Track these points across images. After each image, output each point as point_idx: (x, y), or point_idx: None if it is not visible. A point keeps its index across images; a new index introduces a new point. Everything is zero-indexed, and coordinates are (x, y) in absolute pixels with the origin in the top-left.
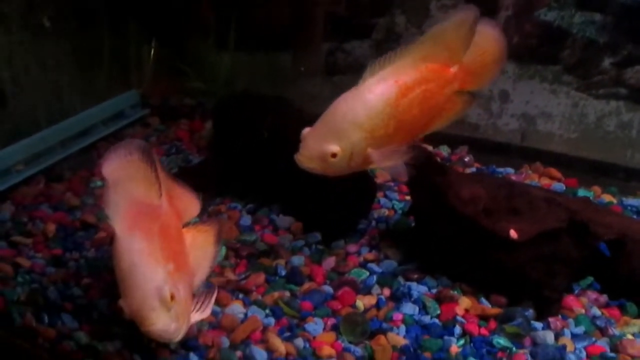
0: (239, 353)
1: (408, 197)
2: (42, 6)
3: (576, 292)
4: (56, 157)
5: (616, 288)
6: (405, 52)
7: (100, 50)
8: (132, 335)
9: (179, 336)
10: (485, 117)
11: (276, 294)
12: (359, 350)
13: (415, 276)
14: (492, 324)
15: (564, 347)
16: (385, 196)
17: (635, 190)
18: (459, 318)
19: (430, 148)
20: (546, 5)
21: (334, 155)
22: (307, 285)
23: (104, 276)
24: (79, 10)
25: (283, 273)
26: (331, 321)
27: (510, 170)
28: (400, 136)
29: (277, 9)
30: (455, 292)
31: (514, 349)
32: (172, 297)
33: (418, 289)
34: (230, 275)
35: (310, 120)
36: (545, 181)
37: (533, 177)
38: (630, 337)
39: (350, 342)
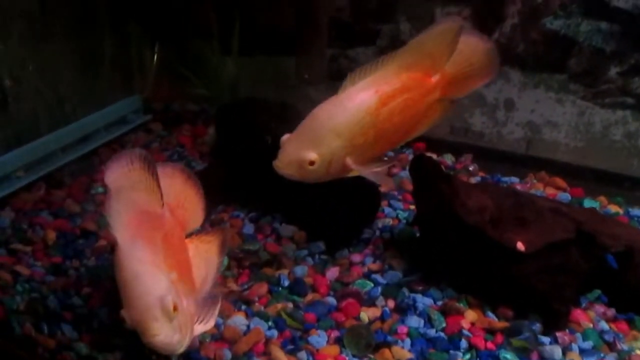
0: None
1: (412, 207)
2: (44, 11)
3: (584, 305)
4: (57, 163)
5: (623, 301)
6: (387, 61)
7: (102, 56)
8: (133, 346)
9: (181, 348)
10: (490, 125)
11: (279, 305)
12: None
13: (420, 287)
14: (499, 338)
15: None
16: (390, 205)
17: None
18: (464, 331)
19: (434, 156)
20: (552, 13)
21: (311, 162)
22: (310, 296)
23: (104, 285)
24: (81, 15)
25: (286, 283)
26: (335, 333)
27: (515, 179)
28: (380, 144)
29: (281, 14)
30: (461, 305)
31: None
32: (175, 308)
33: (423, 300)
34: (232, 285)
35: None
36: (550, 191)
37: (538, 187)
38: (639, 352)
39: (354, 356)
